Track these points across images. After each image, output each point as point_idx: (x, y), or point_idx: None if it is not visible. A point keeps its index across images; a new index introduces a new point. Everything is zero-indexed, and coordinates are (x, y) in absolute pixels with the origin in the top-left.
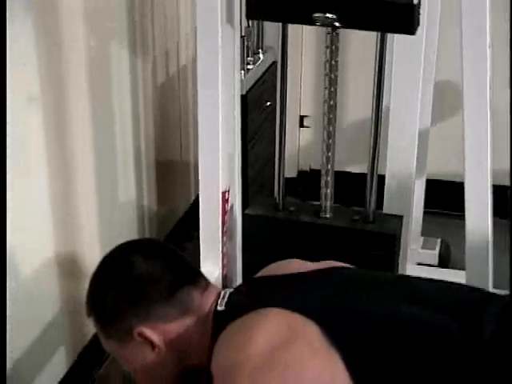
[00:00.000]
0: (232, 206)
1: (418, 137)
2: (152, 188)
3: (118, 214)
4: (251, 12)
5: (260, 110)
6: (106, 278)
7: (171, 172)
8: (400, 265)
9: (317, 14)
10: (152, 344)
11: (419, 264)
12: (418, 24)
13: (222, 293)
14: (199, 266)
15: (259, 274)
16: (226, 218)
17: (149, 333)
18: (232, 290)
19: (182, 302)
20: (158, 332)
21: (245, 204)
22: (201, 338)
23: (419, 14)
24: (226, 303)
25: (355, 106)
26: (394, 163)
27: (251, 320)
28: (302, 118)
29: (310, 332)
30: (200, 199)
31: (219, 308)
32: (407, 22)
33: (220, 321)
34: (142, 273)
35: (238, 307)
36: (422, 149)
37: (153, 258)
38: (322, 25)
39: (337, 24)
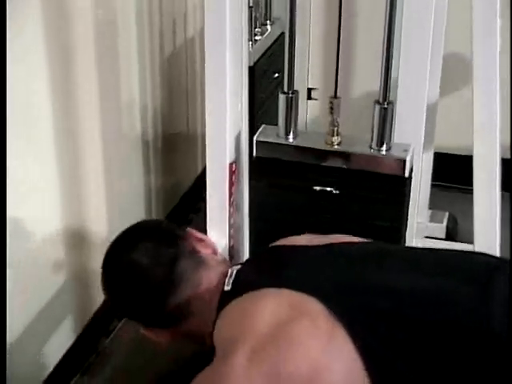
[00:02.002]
0: (239, 178)
1: (426, 109)
2: (159, 160)
3: (125, 186)
4: None
5: (268, 82)
6: (114, 277)
7: (178, 144)
8: (407, 238)
9: None
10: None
11: (426, 237)
12: None
13: (230, 271)
14: None
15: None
16: (233, 189)
17: (153, 336)
18: (239, 266)
19: (190, 282)
20: (163, 334)
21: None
22: (208, 315)
23: None
24: (233, 282)
25: (362, 78)
26: (401, 136)
27: (253, 298)
28: (309, 90)
29: (313, 310)
30: (207, 171)
31: (226, 288)
32: None
33: (225, 299)
34: (149, 280)
35: (243, 285)
36: (430, 121)
37: (160, 245)
38: None
39: None
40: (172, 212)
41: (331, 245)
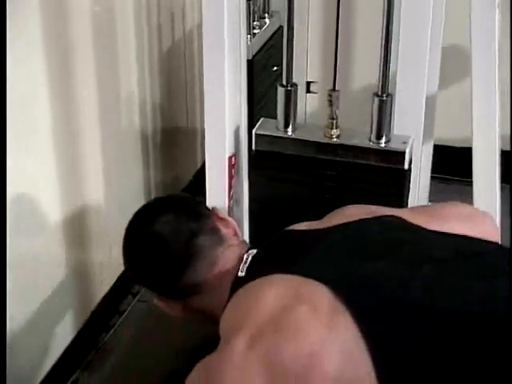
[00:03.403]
0: (238, 171)
1: (426, 101)
2: (158, 155)
3: (124, 180)
4: None
5: (266, 75)
6: (133, 245)
7: (178, 138)
8: None
9: None
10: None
11: None
12: None
13: (245, 256)
14: None
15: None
16: (233, 182)
17: (165, 307)
18: (255, 251)
19: (208, 265)
20: (176, 306)
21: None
22: (220, 297)
23: None
24: (248, 268)
25: (361, 71)
26: (401, 128)
27: (260, 285)
28: (308, 83)
29: (318, 296)
30: (206, 164)
31: (240, 274)
32: None
33: (238, 285)
34: (166, 251)
35: (256, 272)
36: (430, 113)
37: (183, 219)
38: None
39: None
40: None
41: (348, 225)
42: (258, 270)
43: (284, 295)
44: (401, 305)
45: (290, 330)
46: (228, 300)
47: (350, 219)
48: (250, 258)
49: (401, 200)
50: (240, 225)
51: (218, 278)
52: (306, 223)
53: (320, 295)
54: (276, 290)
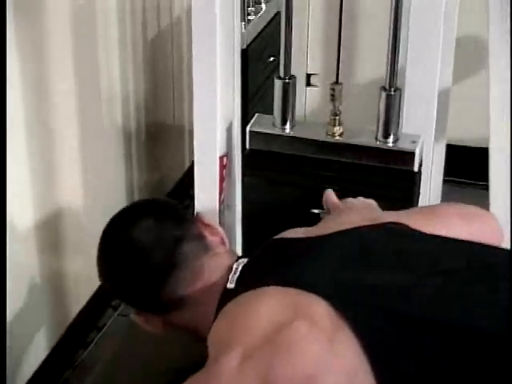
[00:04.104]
0: (230, 172)
1: (438, 96)
2: (142, 154)
3: (104, 183)
4: None
5: (262, 66)
6: (109, 253)
7: (163, 136)
8: None
9: None
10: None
11: None
12: None
13: (235, 266)
14: None
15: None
16: (224, 185)
17: (141, 323)
18: (245, 260)
19: (181, 297)
20: (153, 322)
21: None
22: (206, 312)
23: None
24: (238, 279)
25: (367, 62)
26: (410, 127)
27: (253, 297)
28: (308, 76)
29: (317, 311)
30: (195, 165)
31: (229, 285)
32: None
33: (227, 297)
34: (146, 260)
35: (247, 283)
36: (442, 110)
37: (161, 226)
38: None
39: None
40: None
41: (347, 233)
42: (249, 281)
43: (279, 309)
44: (404, 318)
45: (287, 347)
46: (216, 314)
47: (349, 226)
48: (239, 268)
49: (410, 205)
50: (232, 232)
51: (203, 290)
52: (300, 230)
53: (319, 309)
54: (270, 303)
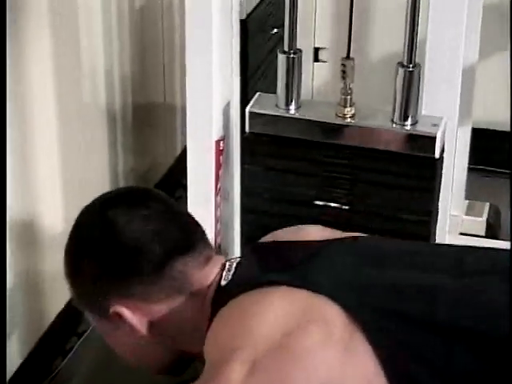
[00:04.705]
0: (228, 159)
1: (462, 74)
2: (128, 140)
3: (86, 170)
4: None
5: (265, 39)
6: (82, 241)
7: (152, 118)
8: (438, 234)
9: None
10: (132, 328)
11: (462, 234)
12: None
13: (228, 264)
14: None
15: (268, 239)
16: (221, 173)
17: (127, 314)
18: (239, 259)
19: (175, 279)
20: (140, 314)
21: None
22: (197, 319)
23: None
24: (232, 276)
25: (382, 35)
26: (431, 108)
27: (258, 297)
28: (316, 50)
29: (329, 316)
30: (188, 151)
31: (223, 282)
32: None
33: (221, 297)
34: (124, 238)
35: (244, 281)
36: (467, 89)
37: (141, 218)
38: None
39: None
40: None
41: (354, 239)
42: (246, 280)
43: (289, 312)
44: (422, 322)
45: (300, 354)
46: (211, 312)
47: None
48: (234, 265)
49: (430, 196)
50: (229, 226)
51: (193, 301)
52: (297, 231)
53: (332, 313)
54: (280, 305)
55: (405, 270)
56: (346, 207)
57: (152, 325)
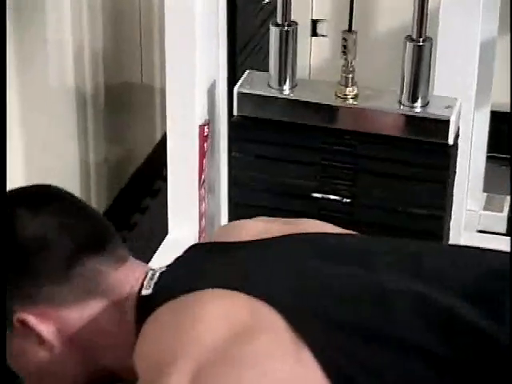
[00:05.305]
0: (213, 146)
1: (480, 49)
2: (100, 123)
3: (53, 163)
4: None
5: (255, 11)
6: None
7: (127, 99)
8: (452, 232)
9: None
10: (39, 338)
11: (480, 231)
12: None
13: (150, 272)
14: (166, 232)
15: (208, 240)
16: (205, 162)
17: (33, 321)
18: (165, 267)
19: (86, 279)
20: (48, 321)
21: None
22: (119, 331)
23: None
24: (156, 285)
25: (389, 5)
26: (444, 88)
27: (194, 300)
28: (314, 22)
29: (275, 324)
30: (168, 137)
31: (145, 292)
32: None
33: (146, 307)
34: (27, 235)
35: (171, 287)
36: (486, 67)
37: (45, 213)
38: None
39: None
40: (119, 196)
41: (303, 235)
42: (173, 284)
43: (234, 315)
44: (380, 339)
45: (248, 364)
46: (136, 327)
47: (302, 230)
48: (157, 274)
49: (443, 188)
50: (215, 223)
51: (109, 306)
52: (233, 228)
53: (276, 321)
54: (220, 307)
55: (366, 276)
56: (348, 200)
57: (62, 334)
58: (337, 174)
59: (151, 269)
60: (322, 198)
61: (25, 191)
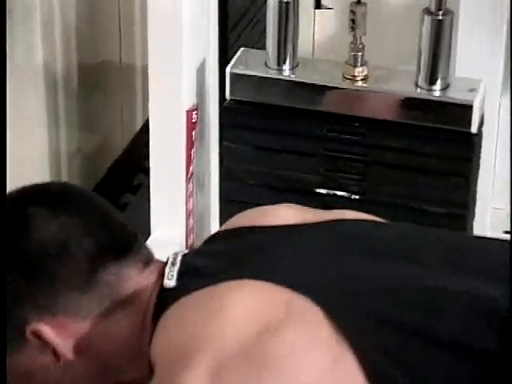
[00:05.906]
0: (203, 134)
1: (508, 24)
2: (73, 108)
3: (20, 153)
4: None
5: None
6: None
7: (104, 81)
8: (475, 231)
9: None
10: (54, 351)
11: (507, 232)
12: None
13: (171, 258)
14: (148, 233)
15: (231, 225)
16: (193, 153)
17: (49, 333)
18: (186, 251)
19: (108, 286)
20: (66, 333)
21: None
22: (139, 338)
23: None
24: (179, 273)
25: None
26: (467, 68)
27: (220, 290)
28: None
29: (313, 316)
30: (151, 124)
31: (167, 282)
32: None
33: (167, 298)
34: (44, 237)
35: (198, 277)
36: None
37: (64, 212)
38: None
39: None
40: (95, 192)
41: (338, 222)
42: (201, 274)
43: (265, 306)
44: (423, 336)
45: (275, 362)
46: (154, 322)
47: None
48: (179, 258)
49: (466, 183)
50: (205, 220)
51: (131, 316)
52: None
53: (313, 313)
54: (247, 299)
55: (404, 265)
56: (357, 197)
57: (80, 348)
58: (343, 167)
59: (172, 255)
60: (327, 194)
61: (39, 188)
